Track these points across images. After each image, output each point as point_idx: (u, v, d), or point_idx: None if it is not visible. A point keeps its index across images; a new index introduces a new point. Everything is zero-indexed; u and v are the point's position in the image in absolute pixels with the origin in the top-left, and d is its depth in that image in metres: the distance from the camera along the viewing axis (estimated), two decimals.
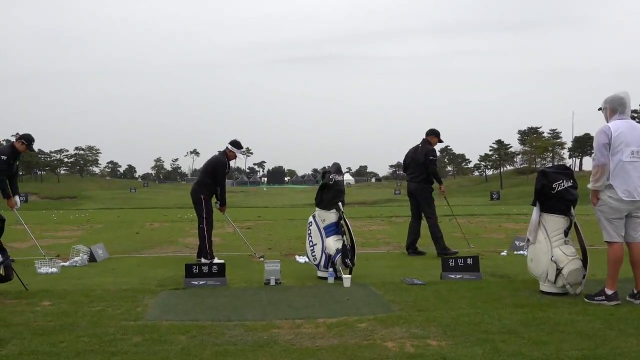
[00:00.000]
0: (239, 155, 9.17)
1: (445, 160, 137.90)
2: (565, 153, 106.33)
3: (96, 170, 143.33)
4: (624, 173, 5.55)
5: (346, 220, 7.42)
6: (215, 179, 9.00)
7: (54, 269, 8.03)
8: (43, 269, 7.97)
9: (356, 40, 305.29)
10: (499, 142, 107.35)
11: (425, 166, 9.61)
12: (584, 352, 4.05)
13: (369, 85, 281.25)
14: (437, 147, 10.04)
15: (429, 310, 5.43)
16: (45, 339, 4.52)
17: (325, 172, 7.74)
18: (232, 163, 9.21)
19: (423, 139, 9.94)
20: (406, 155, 10.13)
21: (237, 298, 6.15)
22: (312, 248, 7.45)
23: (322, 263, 7.30)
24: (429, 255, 9.42)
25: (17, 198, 9.26)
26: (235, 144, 9.14)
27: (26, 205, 42.62)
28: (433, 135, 9.94)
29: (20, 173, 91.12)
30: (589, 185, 5.74)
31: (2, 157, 8.90)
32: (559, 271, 5.98)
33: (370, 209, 32.94)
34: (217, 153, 9.37)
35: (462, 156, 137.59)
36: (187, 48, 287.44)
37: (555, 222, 6.12)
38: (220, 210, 9.23)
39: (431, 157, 9.65)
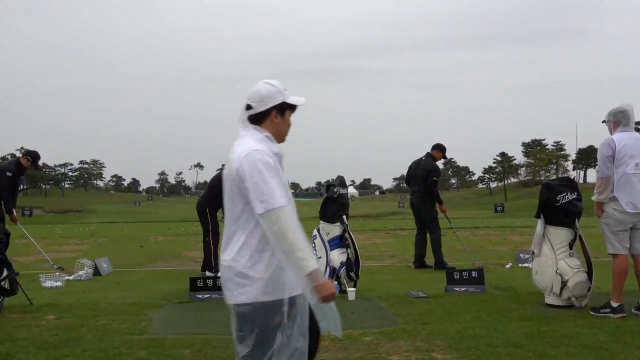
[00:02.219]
0: None
1: (449, 172, 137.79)
2: (569, 165, 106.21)
3: (100, 184, 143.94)
4: (628, 185, 5.55)
5: (350, 233, 7.42)
6: (221, 193, 9.03)
7: (59, 283, 8.05)
8: (48, 283, 7.98)
9: (360, 53, 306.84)
10: (503, 154, 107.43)
11: (425, 185, 9.56)
12: None
13: (372, 98, 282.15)
14: (439, 162, 10.00)
15: (434, 323, 5.41)
16: (51, 353, 4.53)
17: (329, 185, 7.76)
18: None
19: (427, 153, 9.87)
20: (409, 168, 10.09)
21: None
22: None
23: (327, 276, 7.29)
24: (434, 268, 9.39)
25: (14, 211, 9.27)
26: None
27: (31, 219, 42.69)
28: (438, 150, 9.88)
29: (25, 187, 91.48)
30: (593, 198, 5.74)
31: (8, 173, 8.96)
32: (564, 284, 5.96)
33: (375, 221, 32.93)
34: (222, 167, 9.40)
35: (465, 169, 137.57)
36: (191, 62, 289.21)
37: (560, 235, 6.12)
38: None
39: (434, 178, 9.58)
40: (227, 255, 2.62)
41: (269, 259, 2.55)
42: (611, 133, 5.78)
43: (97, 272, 9.11)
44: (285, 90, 2.76)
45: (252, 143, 2.62)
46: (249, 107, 2.73)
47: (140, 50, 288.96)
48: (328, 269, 7.28)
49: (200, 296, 6.79)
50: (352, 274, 7.21)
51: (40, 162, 9.55)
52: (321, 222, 7.56)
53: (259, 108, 2.71)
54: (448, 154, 10.03)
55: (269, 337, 2.53)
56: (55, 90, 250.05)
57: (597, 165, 5.81)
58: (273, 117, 2.72)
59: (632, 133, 5.71)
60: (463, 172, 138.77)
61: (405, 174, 10.43)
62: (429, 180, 9.51)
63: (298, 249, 2.45)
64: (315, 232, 7.59)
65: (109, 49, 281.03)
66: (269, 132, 2.71)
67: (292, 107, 2.78)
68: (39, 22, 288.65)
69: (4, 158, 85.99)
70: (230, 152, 2.69)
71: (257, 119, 2.72)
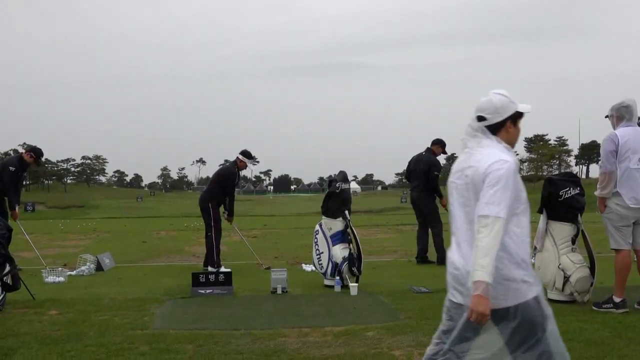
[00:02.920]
0: (248, 165, 9.25)
1: (452, 168, 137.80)
2: (571, 160, 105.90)
3: (103, 179, 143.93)
4: (631, 180, 5.53)
5: (353, 228, 7.42)
6: (224, 189, 9.05)
7: (61, 278, 8.05)
8: (50, 278, 7.99)
9: (362, 49, 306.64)
10: None
11: (426, 179, 9.58)
12: None
13: (374, 93, 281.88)
14: (441, 157, 10.01)
15: (436, 318, 5.36)
16: (53, 348, 4.54)
17: (331, 180, 7.75)
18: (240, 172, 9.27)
19: (427, 148, 9.89)
20: (409, 164, 10.09)
21: (244, 307, 6.15)
22: (318, 256, 7.45)
23: (329, 271, 7.29)
24: (436, 264, 9.38)
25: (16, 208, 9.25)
26: (246, 154, 9.20)
27: (33, 215, 42.78)
28: (438, 145, 9.90)
29: (28, 183, 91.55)
30: (596, 193, 5.72)
31: (11, 168, 8.92)
32: (566, 279, 5.95)
33: (377, 217, 32.87)
34: (225, 162, 9.42)
35: None
36: (194, 58, 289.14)
37: (562, 230, 6.10)
38: (227, 220, 9.26)
39: (435, 173, 9.60)
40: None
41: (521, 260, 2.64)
42: (614, 128, 5.75)
43: (99, 267, 9.12)
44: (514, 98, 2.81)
45: (499, 152, 2.69)
46: (481, 119, 2.77)
47: (142, 45, 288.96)
48: (330, 264, 7.28)
49: (203, 291, 6.80)
50: (355, 269, 7.20)
51: (42, 159, 9.52)
52: (323, 217, 7.56)
53: (494, 119, 2.76)
54: (450, 149, 10.03)
55: (536, 330, 2.62)
56: (57, 85, 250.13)
57: (600, 160, 5.79)
58: (508, 127, 2.78)
59: (635, 128, 5.68)
60: None
61: (405, 169, 10.45)
62: (430, 175, 9.54)
63: (484, 255, 2.49)
64: (317, 227, 7.60)
65: (111, 44, 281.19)
66: (505, 143, 2.76)
67: (521, 115, 2.83)
68: (40, 16, 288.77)
69: (6, 154, 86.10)
70: (466, 159, 2.77)
71: (491, 130, 2.77)
